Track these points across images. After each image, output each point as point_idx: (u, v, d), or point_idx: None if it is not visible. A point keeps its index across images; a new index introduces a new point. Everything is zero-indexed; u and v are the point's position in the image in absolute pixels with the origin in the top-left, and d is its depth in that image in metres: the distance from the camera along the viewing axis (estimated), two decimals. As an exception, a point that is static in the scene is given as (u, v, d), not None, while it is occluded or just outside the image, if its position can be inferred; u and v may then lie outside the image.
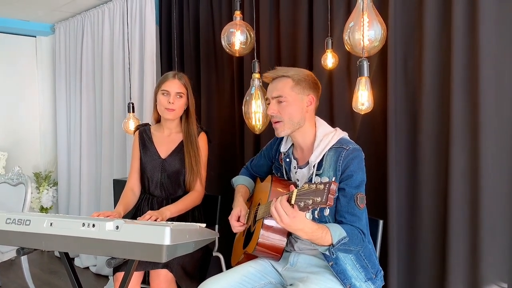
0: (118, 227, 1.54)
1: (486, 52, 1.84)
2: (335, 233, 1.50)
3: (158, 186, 2.25)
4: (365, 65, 1.56)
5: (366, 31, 1.68)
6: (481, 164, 1.86)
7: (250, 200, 1.99)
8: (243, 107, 2.18)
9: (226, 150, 2.95)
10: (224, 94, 3.01)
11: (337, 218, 1.60)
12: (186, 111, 2.26)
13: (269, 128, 2.31)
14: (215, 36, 3.04)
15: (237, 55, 2.49)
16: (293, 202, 1.34)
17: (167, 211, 2.04)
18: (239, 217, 1.82)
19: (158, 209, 2.11)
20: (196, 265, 2.12)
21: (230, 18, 2.88)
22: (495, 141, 1.85)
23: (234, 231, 1.83)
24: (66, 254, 1.85)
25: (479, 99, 1.86)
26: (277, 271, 1.76)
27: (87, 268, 3.82)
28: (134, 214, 2.26)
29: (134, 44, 3.41)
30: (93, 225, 1.57)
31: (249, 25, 2.48)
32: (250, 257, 1.82)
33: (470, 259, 1.92)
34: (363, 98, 1.59)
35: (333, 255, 1.54)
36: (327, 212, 1.28)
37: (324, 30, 2.40)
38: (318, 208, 1.31)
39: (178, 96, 2.20)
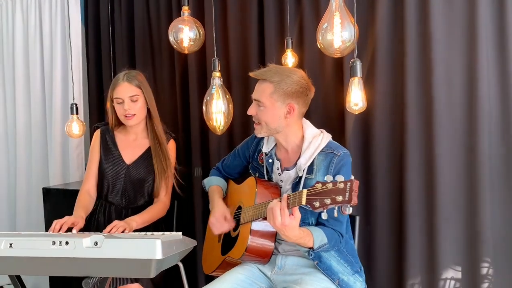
0: (97, 243, 1.39)
1: (438, 52, 1.97)
2: (317, 238, 1.53)
3: (119, 194, 2.08)
4: (358, 65, 1.58)
5: (339, 32, 1.70)
6: (435, 160, 1.99)
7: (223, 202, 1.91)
8: (203, 107, 2.09)
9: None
10: (164, 94, 2.86)
11: (319, 220, 1.61)
12: (148, 113, 2.10)
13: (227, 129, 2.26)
14: (151, 32, 2.88)
15: (186, 52, 2.38)
16: (303, 203, 1.32)
17: (133, 222, 1.88)
18: (224, 217, 1.75)
19: (116, 219, 1.94)
20: (161, 276, 2.00)
21: (169, 13, 2.77)
22: (448, 136, 1.99)
23: (221, 231, 1.76)
24: (18, 277, 1.63)
25: (432, 97, 1.99)
26: (266, 275, 1.72)
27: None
28: (87, 222, 2.05)
29: (55, 42, 3.10)
30: (67, 243, 1.40)
31: (198, 21, 2.39)
32: (228, 263, 1.76)
33: (427, 246, 2.05)
34: (356, 98, 1.60)
35: (311, 255, 1.58)
36: (350, 210, 1.29)
37: (275, 28, 2.40)
38: (336, 207, 1.30)
39: (133, 100, 2.03)
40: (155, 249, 1.35)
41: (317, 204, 1.30)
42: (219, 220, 1.74)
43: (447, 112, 1.99)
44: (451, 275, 2.01)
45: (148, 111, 2.10)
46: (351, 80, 1.61)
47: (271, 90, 1.62)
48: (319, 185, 1.32)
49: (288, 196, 1.41)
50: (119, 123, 2.14)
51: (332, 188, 1.29)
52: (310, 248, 1.54)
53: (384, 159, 2.14)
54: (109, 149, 2.11)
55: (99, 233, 1.55)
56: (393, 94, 2.11)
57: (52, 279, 2.71)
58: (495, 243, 1.95)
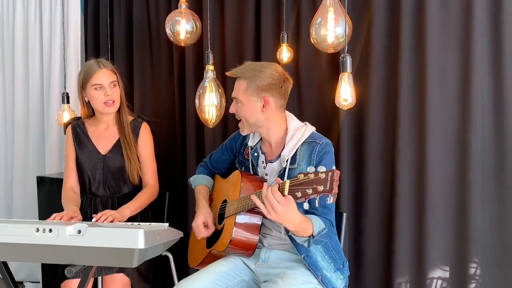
0: (80, 231, 1.40)
1: (432, 54, 1.96)
2: (316, 224, 1.52)
3: (101, 185, 2.08)
4: (348, 60, 1.57)
5: (333, 28, 1.70)
6: (427, 160, 1.99)
7: (209, 199, 1.92)
8: (196, 100, 2.09)
9: (165, 145, 2.82)
10: (161, 86, 2.87)
11: (308, 210, 1.59)
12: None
13: (220, 122, 2.26)
14: (150, 24, 2.87)
15: (182, 44, 2.39)
16: (286, 193, 1.34)
17: (126, 210, 1.90)
18: (205, 224, 1.77)
19: (103, 210, 1.95)
20: (149, 267, 2.01)
21: (168, 5, 2.76)
22: (441, 134, 1.98)
23: (200, 237, 1.77)
24: (5, 263, 1.64)
25: (426, 94, 1.98)
26: (249, 268, 1.73)
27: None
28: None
29: (55, 31, 3.11)
30: (50, 230, 1.40)
31: (195, 14, 2.38)
32: (214, 256, 1.76)
33: (416, 246, 2.05)
34: (346, 94, 1.60)
35: (310, 246, 1.56)
36: (330, 200, 1.30)
37: (271, 23, 2.39)
38: (318, 197, 1.31)
39: (112, 86, 2.02)
40: (138, 239, 1.35)
41: (299, 194, 1.31)
42: (199, 227, 1.76)
43: (440, 109, 1.98)
44: (439, 274, 2.01)
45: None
46: (340, 76, 1.61)
47: (245, 86, 1.66)
48: (301, 176, 1.33)
49: (278, 185, 1.40)
50: (91, 114, 2.14)
51: (314, 178, 1.30)
52: (309, 236, 1.51)
53: (376, 156, 2.13)
54: (82, 143, 2.10)
55: (84, 222, 1.56)
56: (386, 91, 2.10)
57: (44, 268, 2.72)
58: (484, 244, 1.95)
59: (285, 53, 2.17)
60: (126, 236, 1.36)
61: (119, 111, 2.09)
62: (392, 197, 2.07)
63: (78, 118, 2.19)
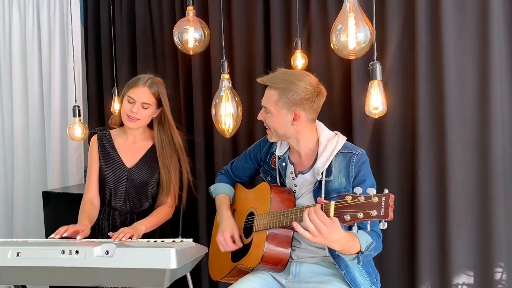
0: (108, 252, 1.35)
1: (449, 53, 1.94)
2: (363, 239, 1.47)
3: (122, 199, 2.03)
4: (378, 68, 1.54)
5: (354, 34, 1.66)
6: (447, 163, 1.96)
7: (231, 209, 1.87)
8: (212, 110, 2.05)
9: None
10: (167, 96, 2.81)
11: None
12: (160, 118, 2.06)
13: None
14: (154, 34, 2.82)
15: (191, 53, 2.34)
16: (331, 215, 1.29)
17: (141, 226, 1.84)
18: (231, 237, 1.71)
19: (121, 224, 1.90)
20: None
21: (172, 13, 2.71)
22: (461, 138, 1.96)
23: (226, 250, 1.71)
24: (24, 286, 1.58)
25: (444, 101, 1.96)
26: (280, 283, 1.67)
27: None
28: (92, 229, 1.99)
29: (54, 43, 3.04)
30: (77, 252, 1.35)
31: (203, 21, 2.34)
32: (240, 271, 1.71)
33: (439, 251, 2.02)
34: (376, 102, 1.57)
35: (359, 262, 1.50)
36: (385, 226, 1.25)
37: (281, 29, 2.36)
38: (369, 222, 1.26)
39: (143, 107, 1.99)
40: (170, 258, 1.31)
41: (347, 217, 1.27)
42: (227, 240, 1.70)
43: (459, 114, 1.96)
44: (463, 280, 1.98)
45: (160, 117, 2.07)
46: (370, 83, 1.58)
47: (276, 97, 1.61)
48: (349, 198, 1.27)
49: (321, 205, 1.35)
50: (121, 124, 2.11)
51: (365, 202, 1.25)
52: (357, 253, 1.46)
53: (395, 163, 2.11)
54: (108, 154, 2.06)
55: (110, 240, 1.50)
56: (404, 98, 2.08)
57: None
58: (509, 248, 1.93)
59: (299, 60, 2.14)
60: (157, 256, 1.32)
61: (162, 128, 2.06)
62: (413, 203, 2.05)
63: (104, 128, 2.15)
